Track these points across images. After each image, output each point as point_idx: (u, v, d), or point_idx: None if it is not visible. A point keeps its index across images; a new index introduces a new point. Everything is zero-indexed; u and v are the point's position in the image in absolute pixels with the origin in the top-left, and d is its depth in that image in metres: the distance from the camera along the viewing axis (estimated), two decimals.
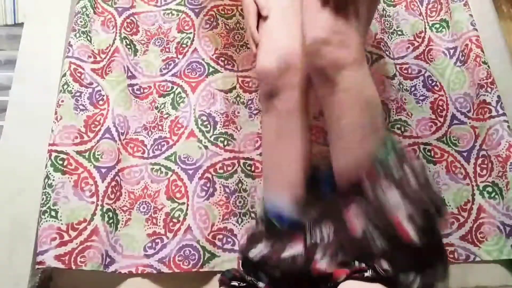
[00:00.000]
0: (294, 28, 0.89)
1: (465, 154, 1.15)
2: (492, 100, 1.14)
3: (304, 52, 0.86)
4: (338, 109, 0.80)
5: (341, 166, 0.83)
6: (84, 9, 1.22)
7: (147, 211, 1.08)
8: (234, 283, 0.84)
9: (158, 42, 1.28)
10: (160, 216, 1.07)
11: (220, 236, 1.05)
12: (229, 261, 1.03)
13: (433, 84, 1.23)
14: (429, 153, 1.15)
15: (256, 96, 1.21)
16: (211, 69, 1.22)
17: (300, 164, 0.90)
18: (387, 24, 1.29)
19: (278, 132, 0.90)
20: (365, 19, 0.87)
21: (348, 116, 0.79)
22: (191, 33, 1.27)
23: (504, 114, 1.13)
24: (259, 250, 0.83)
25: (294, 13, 0.91)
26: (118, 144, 1.11)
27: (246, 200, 1.09)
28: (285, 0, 0.93)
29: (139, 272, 1.02)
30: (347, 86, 0.78)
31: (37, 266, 0.95)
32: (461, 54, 1.24)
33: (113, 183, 1.07)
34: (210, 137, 1.15)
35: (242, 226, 1.07)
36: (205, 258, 1.03)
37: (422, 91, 1.22)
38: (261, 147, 0.99)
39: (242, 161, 1.13)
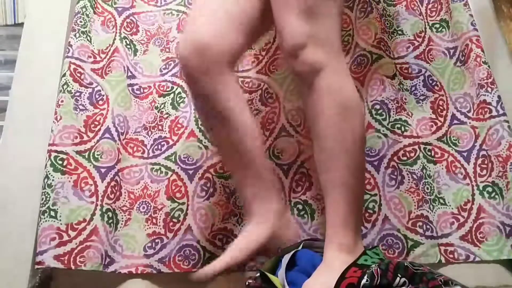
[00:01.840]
0: (218, 15, 0.87)
1: (465, 154, 1.15)
2: (492, 100, 1.14)
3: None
4: (315, 110, 0.82)
5: (319, 165, 0.84)
6: (84, 9, 1.22)
7: (147, 211, 1.08)
8: None
9: (158, 42, 1.28)
10: (160, 216, 1.07)
11: (220, 236, 1.05)
12: None
13: (433, 84, 1.23)
14: (429, 153, 1.15)
15: (256, 96, 1.21)
16: None
17: (251, 138, 0.88)
18: (387, 23, 1.29)
19: (215, 111, 0.86)
20: (336, 17, 0.87)
21: (325, 116, 0.81)
22: None
23: (504, 114, 1.13)
24: None
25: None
26: (118, 144, 1.12)
27: None
28: None
29: (139, 272, 1.02)
30: (322, 87, 0.80)
31: (36, 266, 0.95)
32: (461, 54, 1.23)
33: (113, 183, 1.07)
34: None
35: (242, 226, 1.07)
36: (205, 258, 1.03)
37: (422, 91, 1.22)
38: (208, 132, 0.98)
39: None
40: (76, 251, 0.98)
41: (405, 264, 0.71)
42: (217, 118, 0.87)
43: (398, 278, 0.69)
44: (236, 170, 0.91)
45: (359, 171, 0.84)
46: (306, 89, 0.82)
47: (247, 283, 0.82)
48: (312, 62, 0.80)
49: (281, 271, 0.83)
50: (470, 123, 1.17)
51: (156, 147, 1.15)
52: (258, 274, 0.84)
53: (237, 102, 0.87)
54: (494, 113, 1.13)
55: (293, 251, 0.88)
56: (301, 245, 0.93)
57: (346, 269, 0.73)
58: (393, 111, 1.17)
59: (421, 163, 1.12)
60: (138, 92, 1.21)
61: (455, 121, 1.18)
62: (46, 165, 1.03)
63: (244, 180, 0.89)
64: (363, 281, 0.68)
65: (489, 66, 1.18)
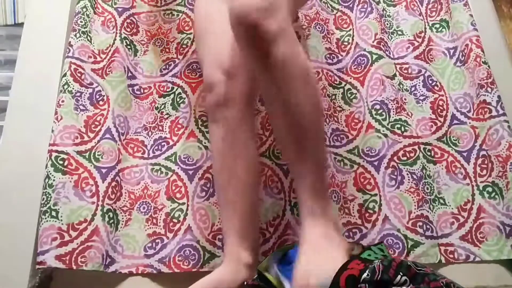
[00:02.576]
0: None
1: (465, 154, 1.15)
2: (492, 100, 1.14)
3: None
4: (276, 81, 0.78)
5: (280, 140, 0.83)
6: (84, 9, 1.22)
7: (147, 211, 1.08)
8: None
9: (158, 42, 1.28)
10: (160, 216, 1.08)
11: (220, 236, 1.05)
12: None
13: (433, 84, 1.23)
14: (429, 153, 1.15)
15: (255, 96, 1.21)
16: None
17: (253, 171, 0.91)
18: (387, 24, 1.29)
19: (228, 141, 0.91)
20: None
21: (288, 85, 0.78)
22: (191, 33, 1.27)
23: (504, 114, 1.13)
24: None
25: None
26: (119, 144, 1.12)
27: None
28: (222, 7, 0.93)
29: (139, 272, 1.02)
30: (280, 60, 0.76)
31: (37, 266, 0.95)
32: (461, 54, 1.24)
33: (114, 183, 1.07)
34: None
35: None
36: (205, 258, 1.03)
37: (422, 91, 1.22)
38: (212, 156, 0.97)
39: None
40: (77, 251, 0.98)
41: (408, 264, 0.71)
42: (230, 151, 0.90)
43: (399, 276, 0.69)
44: (227, 203, 0.91)
45: (322, 139, 0.84)
46: (262, 60, 0.78)
47: (246, 283, 0.82)
48: (265, 31, 0.75)
49: (273, 267, 0.82)
50: (470, 123, 1.17)
51: (156, 147, 1.15)
52: (256, 275, 0.84)
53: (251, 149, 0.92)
54: (494, 113, 1.14)
55: (283, 249, 0.87)
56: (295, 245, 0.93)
57: (348, 260, 0.73)
58: (393, 111, 1.17)
59: (421, 163, 1.12)
60: (138, 92, 1.21)
61: (455, 121, 1.18)
62: (46, 165, 1.03)
63: (230, 214, 0.90)
64: (364, 275, 0.68)
65: (489, 66, 1.18)
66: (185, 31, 1.28)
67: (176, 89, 1.21)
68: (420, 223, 1.06)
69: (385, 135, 1.14)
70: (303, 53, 0.82)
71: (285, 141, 0.83)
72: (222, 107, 0.90)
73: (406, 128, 1.16)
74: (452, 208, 1.10)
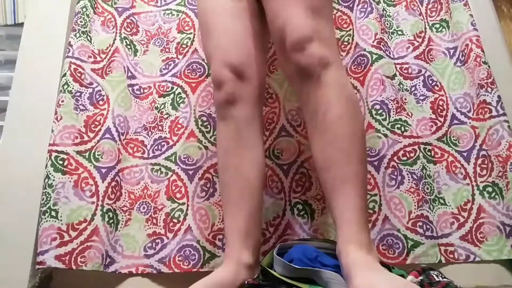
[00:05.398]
0: (242, 33, 0.92)
1: (465, 154, 1.15)
2: (492, 100, 1.14)
3: (260, 58, 0.92)
4: (323, 103, 0.81)
5: (328, 160, 0.82)
6: (84, 9, 1.22)
7: (147, 211, 1.08)
8: None
9: (158, 42, 1.28)
10: (160, 216, 1.08)
11: (220, 236, 1.05)
12: None
13: (433, 84, 1.23)
14: (429, 153, 1.15)
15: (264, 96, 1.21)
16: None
17: (258, 171, 0.91)
18: (387, 24, 1.29)
19: (235, 140, 0.90)
20: (332, 20, 0.91)
21: (335, 108, 0.80)
22: (191, 33, 1.27)
23: (504, 114, 1.13)
24: None
25: (239, 15, 0.93)
26: (118, 144, 1.12)
27: None
28: (228, 3, 0.94)
29: (139, 272, 1.02)
30: (332, 82, 0.81)
31: (37, 266, 0.95)
32: (461, 54, 1.23)
33: (113, 183, 1.07)
34: (210, 137, 1.15)
35: None
36: (205, 258, 1.03)
37: (422, 91, 1.22)
38: (216, 154, 0.96)
39: None
40: (77, 251, 0.98)
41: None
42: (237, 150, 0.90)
43: None
44: (231, 202, 0.90)
45: (366, 164, 0.84)
46: (313, 83, 0.81)
47: (246, 282, 0.82)
48: (320, 56, 0.80)
49: (275, 258, 0.82)
50: (470, 123, 1.17)
51: (156, 147, 1.15)
52: (258, 273, 0.84)
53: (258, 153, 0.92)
54: (494, 113, 1.13)
55: (283, 248, 0.87)
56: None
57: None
58: (393, 111, 1.17)
59: (421, 163, 1.12)
60: (138, 92, 1.21)
61: (455, 121, 1.18)
62: (46, 165, 1.04)
63: (234, 213, 0.89)
64: None
65: (489, 66, 1.18)
66: (185, 31, 1.28)
67: (176, 89, 1.21)
68: (420, 223, 1.06)
69: (385, 135, 1.14)
70: (350, 84, 0.87)
71: (330, 162, 0.81)
72: (231, 106, 0.90)
73: (406, 128, 1.16)
74: (452, 208, 1.10)
